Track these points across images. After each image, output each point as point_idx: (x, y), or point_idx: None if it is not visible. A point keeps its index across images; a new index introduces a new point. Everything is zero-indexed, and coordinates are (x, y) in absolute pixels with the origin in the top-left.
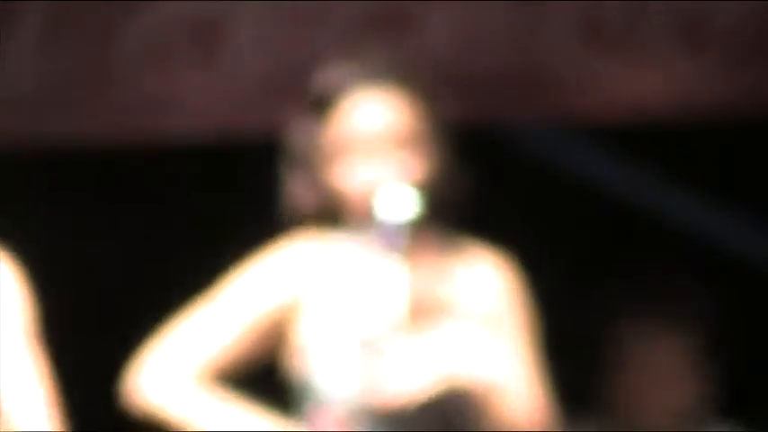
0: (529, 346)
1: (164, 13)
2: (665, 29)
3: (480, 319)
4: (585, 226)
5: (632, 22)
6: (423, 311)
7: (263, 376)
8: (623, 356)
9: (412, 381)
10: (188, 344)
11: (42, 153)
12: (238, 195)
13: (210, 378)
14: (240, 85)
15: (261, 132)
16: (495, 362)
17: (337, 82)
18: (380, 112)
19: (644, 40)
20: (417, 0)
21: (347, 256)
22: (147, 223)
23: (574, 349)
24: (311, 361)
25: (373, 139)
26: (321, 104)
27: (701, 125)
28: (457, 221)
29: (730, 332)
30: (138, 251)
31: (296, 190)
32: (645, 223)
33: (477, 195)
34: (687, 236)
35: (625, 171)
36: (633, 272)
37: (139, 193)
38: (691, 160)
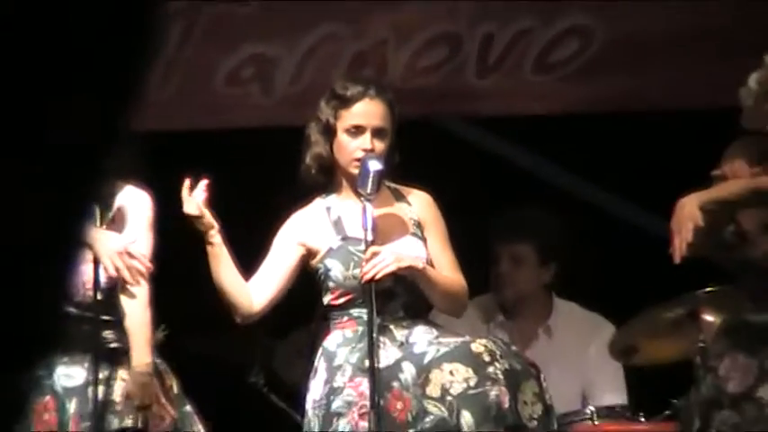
0: (449, 246)
1: None
2: None
3: (420, 232)
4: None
5: None
6: (385, 231)
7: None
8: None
9: (386, 267)
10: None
11: None
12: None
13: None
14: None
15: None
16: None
17: (348, 88)
18: (371, 109)
19: None
20: None
21: (340, 208)
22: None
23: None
24: (327, 267)
25: (364, 126)
26: (337, 100)
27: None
28: (396, 176)
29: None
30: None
31: (309, 159)
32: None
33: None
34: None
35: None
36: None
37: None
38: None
